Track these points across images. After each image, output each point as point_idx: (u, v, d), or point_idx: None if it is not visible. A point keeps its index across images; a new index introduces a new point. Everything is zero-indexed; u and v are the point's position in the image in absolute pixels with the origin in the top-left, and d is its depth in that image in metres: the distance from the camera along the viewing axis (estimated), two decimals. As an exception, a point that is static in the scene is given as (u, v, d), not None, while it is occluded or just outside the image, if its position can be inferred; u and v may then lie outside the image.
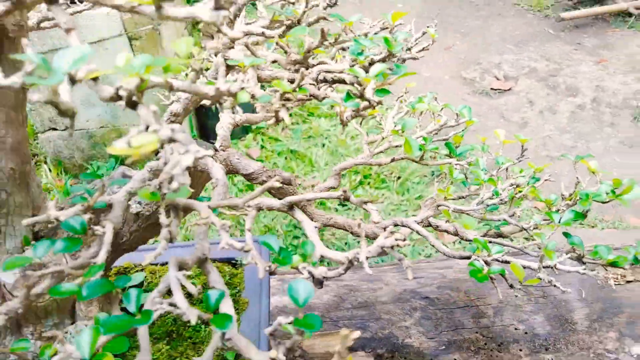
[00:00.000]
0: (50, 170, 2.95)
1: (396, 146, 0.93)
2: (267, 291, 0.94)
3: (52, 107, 0.39)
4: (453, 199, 0.91)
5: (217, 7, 0.44)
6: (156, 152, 0.81)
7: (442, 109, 0.96)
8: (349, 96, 0.55)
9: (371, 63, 0.60)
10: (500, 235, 0.91)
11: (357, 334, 0.39)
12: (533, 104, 3.68)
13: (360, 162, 0.89)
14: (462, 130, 0.97)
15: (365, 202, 0.62)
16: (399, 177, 3.00)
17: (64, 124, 2.90)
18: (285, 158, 3.20)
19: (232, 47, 0.72)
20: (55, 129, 2.94)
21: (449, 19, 4.63)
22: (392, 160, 0.87)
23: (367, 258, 0.49)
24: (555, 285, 0.71)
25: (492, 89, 3.77)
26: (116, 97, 0.44)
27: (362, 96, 0.54)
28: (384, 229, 0.82)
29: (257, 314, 0.91)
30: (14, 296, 0.74)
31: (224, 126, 0.80)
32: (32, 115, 2.78)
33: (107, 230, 0.53)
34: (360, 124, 1.10)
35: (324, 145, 3.35)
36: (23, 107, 0.73)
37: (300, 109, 3.84)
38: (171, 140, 0.37)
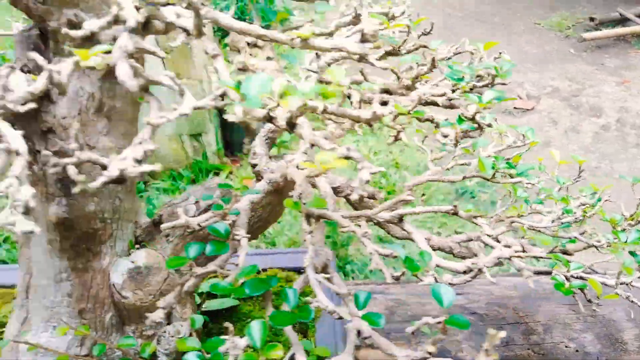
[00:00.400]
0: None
1: (462, 164, 0.99)
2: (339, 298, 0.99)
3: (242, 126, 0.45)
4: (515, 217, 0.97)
5: (363, 40, 0.51)
6: (253, 165, 0.87)
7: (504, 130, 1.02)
8: (460, 119, 0.62)
9: (472, 88, 0.67)
10: (565, 252, 0.97)
11: (503, 333, 0.44)
12: (556, 124, 3.74)
13: (433, 179, 0.94)
14: (525, 151, 1.03)
15: (475, 217, 0.68)
16: (423, 194, 3.05)
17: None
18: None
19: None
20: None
21: (469, 37, 4.74)
22: (464, 178, 0.93)
23: (486, 267, 0.54)
24: (632, 301, 0.76)
25: (515, 107, 3.84)
26: (268, 118, 0.50)
27: (472, 119, 0.61)
28: (458, 243, 0.87)
29: (331, 320, 0.96)
30: (123, 296, 0.80)
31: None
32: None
33: (242, 237, 0.59)
34: (423, 141, 1.17)
35: (347, 157, 3.40)
36: (136, 120, 0.80)
37: (322, 123, 3.93)
38: (347, 157, 0.43)
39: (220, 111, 3.54)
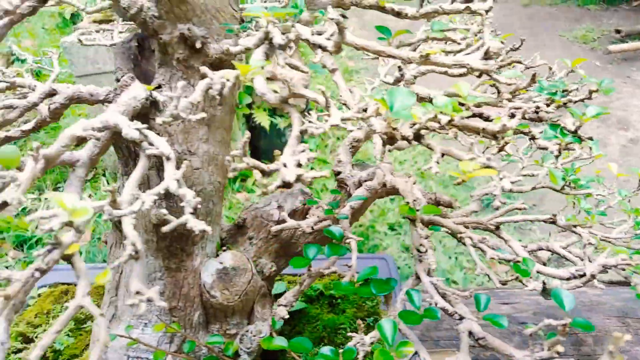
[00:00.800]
0: (108, 182, 3.12)
1: (531, 175, 1.03)
2: (403, 302, 1.03)
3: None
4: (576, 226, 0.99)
5: (486, 57, 0.55)
6: (337, 173, 0.92)
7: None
8: (563, 132, 0.66)
9: (565, 103, 0.70)
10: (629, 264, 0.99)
11: (628, 336, 0.48)
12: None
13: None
14: (589, 162, 1.07)
15: (575, 226, 0.71)
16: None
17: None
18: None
19: (414, 83, 0.84)
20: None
21: (494, 48, 4.78)
22: (533, 188, 0.96)
23: (592, 275, 0.58)
24: None
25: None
26: (391, 130, 0.54)
27: (575, 132, 0.65)
28: (530, 252, 0.91)
29: (397, 326, 0.99)
30: (212, 295, 0.84)
31: (377, 147, 0.90)
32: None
33: (352, 240, 0.63)
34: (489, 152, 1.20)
35: (372, 169, 3.42)
36: (231, 128, 0.85)
37: (349, 133, 3.98)
38: (487, 166, 0.47)
39: (248, 119, 3.60)
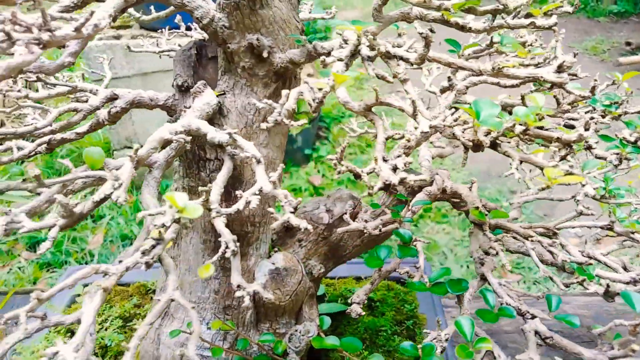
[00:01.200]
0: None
1: (561, 184, 1.07)
2: (440, 306, 1.06)
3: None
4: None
5: (560, 70, 0.59)
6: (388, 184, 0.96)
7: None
8: (622, 143, 0.70)
9: (620, 115, 0.75)
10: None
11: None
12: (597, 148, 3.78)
13: (541, 197, 1.02)
14: (626, 173, 1.11)
15: (632, 233, 0.75)
16: (460, 213, 3.10)
17: (139, 142, 3.12)
18: (346, 187, 3.35)
19: (465, 93, 0.88)
20: (130, 147, 3.16)
21: (504, 58, 4.85)
22: (573, 197, 1.00)
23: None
24: None
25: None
26: (478, 138, 0.58)
27: (635, 143, 0.69)
28: (566, 260, 0.94)
29: (435, 327, 1.03)
30: (264, 297, 0.88)
31: (427, 158, 0.95)
32: (110, 134, 3.00)
33: (418, 242, 0.67)
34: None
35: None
36: (287, 134, 0.89)
37: (359, 139, 4.03)
38: (569, 173, 0.52)
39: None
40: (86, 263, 2.68)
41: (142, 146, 0.60)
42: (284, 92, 0.60)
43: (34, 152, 0.89)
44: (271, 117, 0.55)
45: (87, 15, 0.51)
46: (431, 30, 0.55)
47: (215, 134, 0.61)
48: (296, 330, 0.92)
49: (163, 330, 0.92)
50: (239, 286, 0.53)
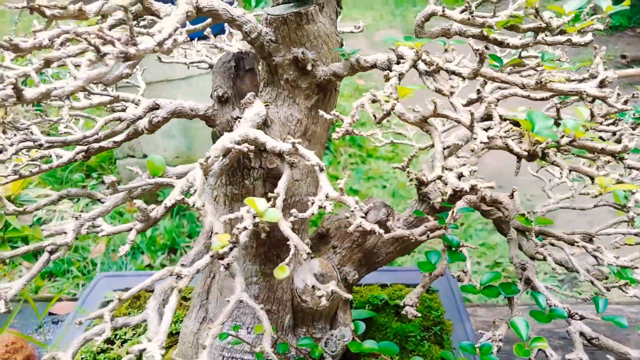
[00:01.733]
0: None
1: (581, 193, 1.12)
2: (465, 312, 1.10)
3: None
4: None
5: (602, 85, 0.64)
6: (419, 187, 1.00)
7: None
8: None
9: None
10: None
11: None
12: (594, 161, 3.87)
13: (563, 206, 1.07)
14: (640, 183, 1.16)
15: None
16: (462, 223, 3.14)
17: (142, 152, 3.14)
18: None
19: (497, 105, 0.93)
20: (133, 156, 3.18)
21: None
22: (595, 206, 1.05)
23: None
24: None
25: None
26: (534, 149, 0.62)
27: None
28: (592, 266, 0.99)
29: (463, 332, 1.07)
30: (303, 300, 0.91)
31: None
32: (115, 141, 3.03)
33: (464, 248, 0.71)
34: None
35: (384, 186, 3.49)
36: (326, 143, 0.93)
37: (360, 149, 4.09)
38: (619, 182, 0.56)
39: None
40: (88, 272, 2.68)
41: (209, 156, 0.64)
42: (356, 103, 0.64)
43: (73, 160, 0.93)
44: (342, 127, 0.59)
45: (170, 29, 0.55)
46: (486, 47, 0.60)
47: (276, 144, 0.65)
48: (332, 335, 0.95)
49: (202, 335, 0.95)
50: (313, 287, 0.57)
